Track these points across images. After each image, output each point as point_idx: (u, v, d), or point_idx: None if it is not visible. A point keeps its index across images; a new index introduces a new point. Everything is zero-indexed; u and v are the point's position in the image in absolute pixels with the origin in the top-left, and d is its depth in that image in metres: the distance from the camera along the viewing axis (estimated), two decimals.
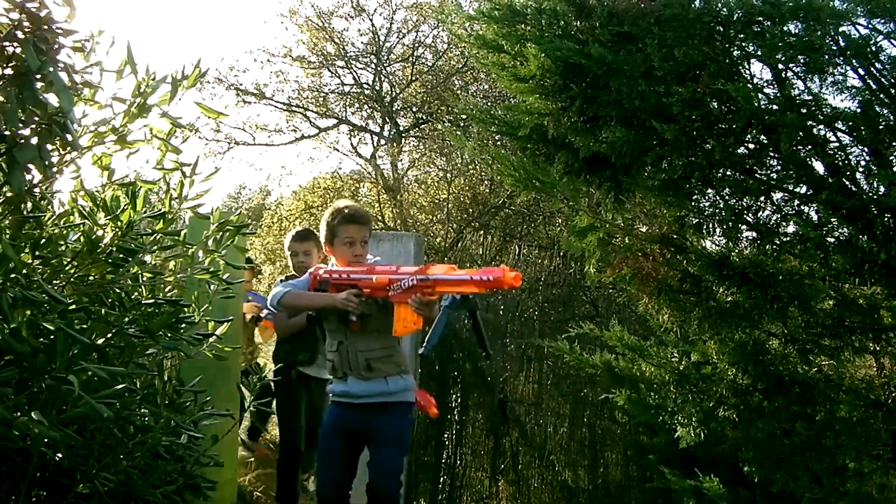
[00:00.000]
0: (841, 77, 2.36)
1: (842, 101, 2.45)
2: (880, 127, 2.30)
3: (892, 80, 2.36)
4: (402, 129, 11.77)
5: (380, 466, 2.46)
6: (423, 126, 11.48)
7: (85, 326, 1.23)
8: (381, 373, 2.50)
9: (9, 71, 1.08)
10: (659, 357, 2.82)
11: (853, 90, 2.36)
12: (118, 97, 1.30)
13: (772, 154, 2.45)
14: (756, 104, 2.32)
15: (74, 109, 1.17)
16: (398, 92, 11.64)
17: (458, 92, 10.20)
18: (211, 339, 1.43)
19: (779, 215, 2.52)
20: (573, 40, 2.51)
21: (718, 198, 2.61)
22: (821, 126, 2.40)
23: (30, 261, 1.15)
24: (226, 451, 2.77)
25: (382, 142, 11.91)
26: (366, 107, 11.93)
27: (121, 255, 1.25)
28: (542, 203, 5.64)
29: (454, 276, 2.25)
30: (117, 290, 1.27)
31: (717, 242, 2.71)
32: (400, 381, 2.53)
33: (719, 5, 2.43)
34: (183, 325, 1.35)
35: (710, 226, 2.62)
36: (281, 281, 3.08)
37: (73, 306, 1.19)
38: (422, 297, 2.29)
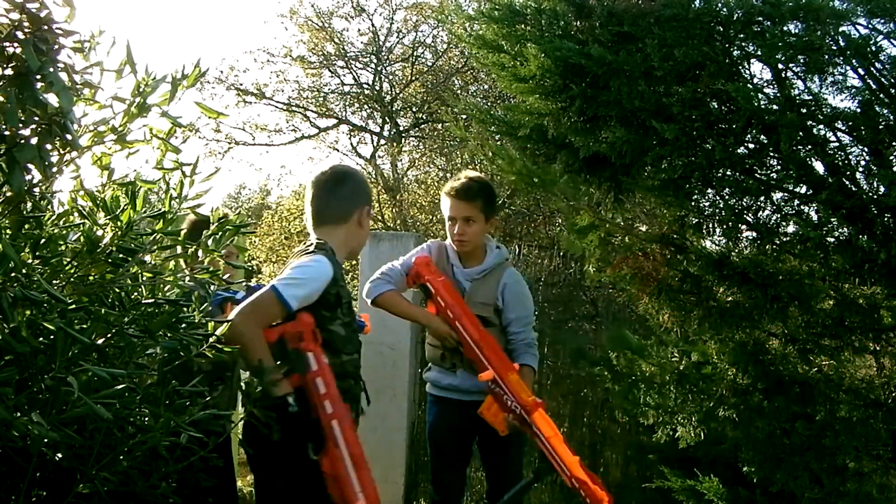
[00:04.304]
0: (841, 77, 2.36)
1: (842, 101, 2.45)
2: (880, 127, 2.30)
3: (892, 80, 2.36)
4: (402, 129, 11.78)
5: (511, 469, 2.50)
6: (423, 126, 11.49)
7: (85, 326, 1.23)
8: None
9: (9, 71, 1.09)
10: (659, 357, 2.82)
11: (853, 90, 2.36)
12: (118, 97, 1.30)
13: (772, 154, 2.45)
14: (756, 104, 2.32)
15: (74, 109, 1.17)
16: (398, 92, 11.65)
17: (458, 92, 10.20)
18: (211, 339, 1.43)
19: (779, 215, 2.52)
20: (573, 40, 2.51)
21: (718, 198, 2.61)
22: (821, 126, 2.40)
23: (30, 260, 1.15)
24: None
25: (382, 142, 11.92)
26: (366, 107, 11.94)
27: (121, 255, 1.25)
28: (541, 203, 5.63)
29: (565, 461, 2.28)
30: (117, 290, 1.27)
31: (717, 242, 2.71)
32: None
33: (719, 5, 2.43)
34: (183, 325, 1.35)
35: (710, 226, 2.62)
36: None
37: (73, 306, 1.19)
38: (519, 426, 2.25)
